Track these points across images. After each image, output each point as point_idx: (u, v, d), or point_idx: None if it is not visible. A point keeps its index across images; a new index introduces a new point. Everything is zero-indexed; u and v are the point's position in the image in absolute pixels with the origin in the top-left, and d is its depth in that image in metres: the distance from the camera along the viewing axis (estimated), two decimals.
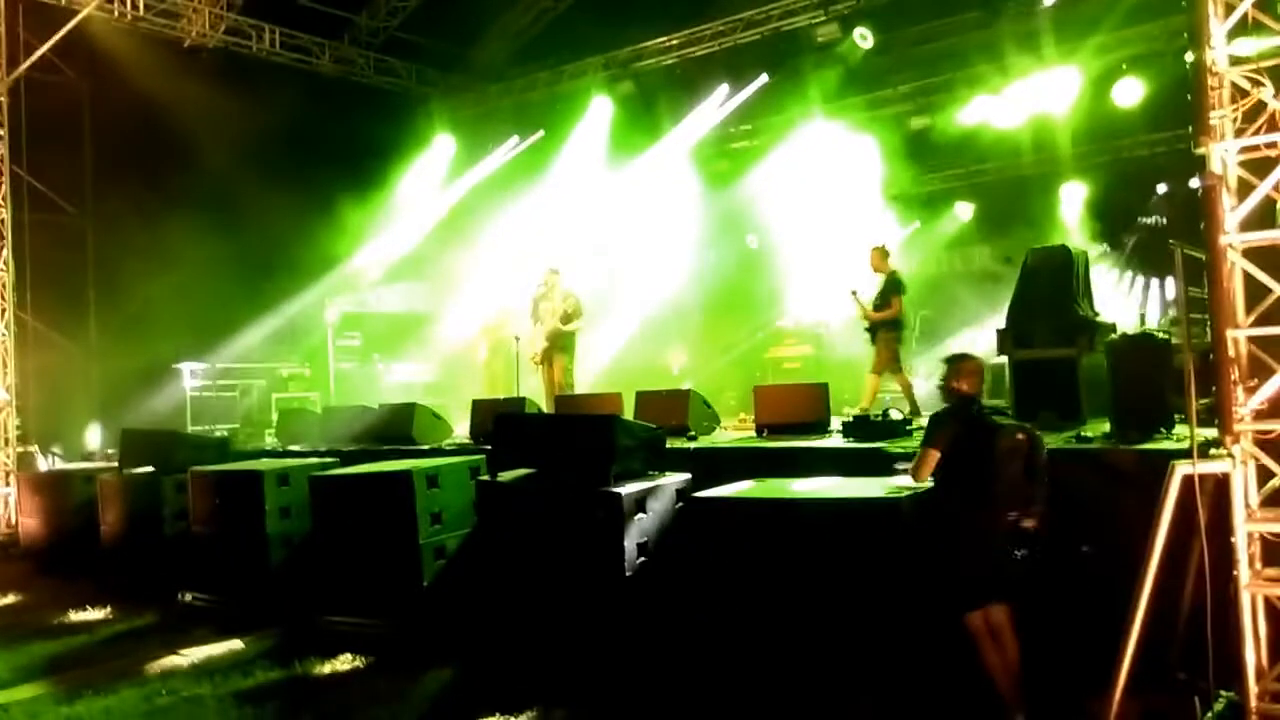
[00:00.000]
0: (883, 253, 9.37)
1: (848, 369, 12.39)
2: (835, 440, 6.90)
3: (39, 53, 10.51)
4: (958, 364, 4.73)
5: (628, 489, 5.28)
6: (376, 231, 13.46)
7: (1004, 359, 7.39)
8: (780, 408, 7.79)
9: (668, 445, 6.45)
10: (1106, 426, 5.77)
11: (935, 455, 4.41)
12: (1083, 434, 5.73)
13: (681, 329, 15.36)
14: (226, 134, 11.18)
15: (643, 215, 14.56)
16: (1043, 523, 4.44)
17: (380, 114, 13.12)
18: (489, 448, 7.27)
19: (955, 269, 15.16)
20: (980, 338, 12.11)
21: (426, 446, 8.56)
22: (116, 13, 11.12)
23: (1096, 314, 7.08)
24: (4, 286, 10.31)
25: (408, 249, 14.04)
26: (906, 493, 4.48)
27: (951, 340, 12.50)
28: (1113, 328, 7.01)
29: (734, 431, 8.55)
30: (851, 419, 6.89)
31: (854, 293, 9.35)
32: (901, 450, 4.92)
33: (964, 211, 15.02)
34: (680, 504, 5.46)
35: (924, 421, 5.13)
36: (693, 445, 7.38)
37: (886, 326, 9.19)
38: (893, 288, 9.23)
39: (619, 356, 14.74)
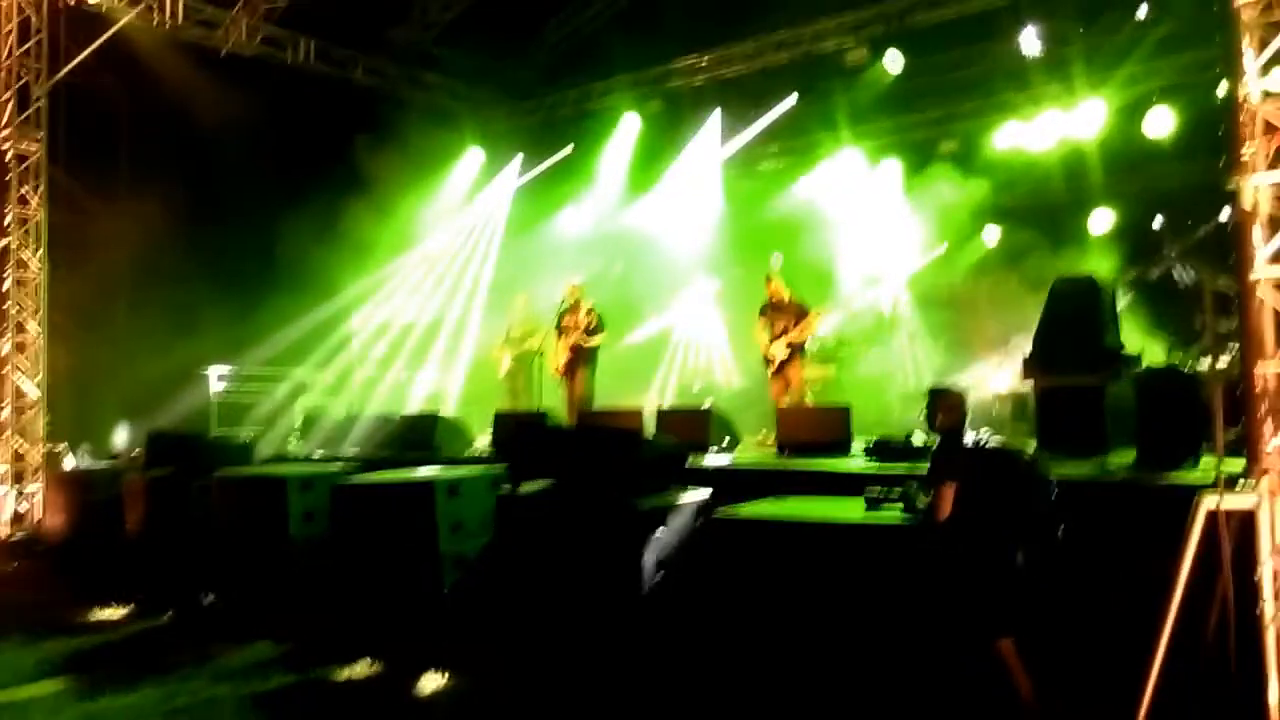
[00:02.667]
0: (779, 280, 9.59)
1: (871, 391, 12.38)
2: (857, 461, 6.91)
3: (78, 59, 10.73)
4: (939, 399, 4.78)
5: (647, 505, 5.30)
6: (404, 243, 13.60)
7: (1029, 385, 7.36)
8: (802, 428, 7.83)
9: (689, 462, 6.48)
10: (1132, 457, 5.74)
11: (951, 489, 4.42)
12: (1107, 465, 5.70)
13: (703, 347, 15.40)
14: (259, 142, 11.36)
15: (668, 232, 14.65)
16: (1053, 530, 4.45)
17: (411, 127, 13.27)
18: (510, 459, 7.36)
19: (981, 293, 15.07)
20: (1005, 362, 12.07)
21: (447, 456, 8.64)
22: (155, 21, 11.34)
23: (1122, 345, 7.06)
24: (38, 286, 10.50)
25: (435, 261, 14.18)
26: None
27: (978, 365, 12.45)
28: (1138, 359, 6.99)
29: (755, 450, 8.54)
30: (873, 442, 6.89)
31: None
32: (876, 489, 4.89)
33: (991, 236, 14.96)
34: (700, 521, 5.48)
35: None
36: (714, 463, 7.42)
37: (800, 350, 9.42)
38: (803, 311, 9.46)
39: (640, 373, 14.80)
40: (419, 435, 9.09)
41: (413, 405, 12.72)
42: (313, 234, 11.88)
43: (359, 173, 12.37)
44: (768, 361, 9.49)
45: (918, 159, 13.45)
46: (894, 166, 13.76)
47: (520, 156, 14.68)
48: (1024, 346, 7.22)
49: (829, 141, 13.45)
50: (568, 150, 14.31)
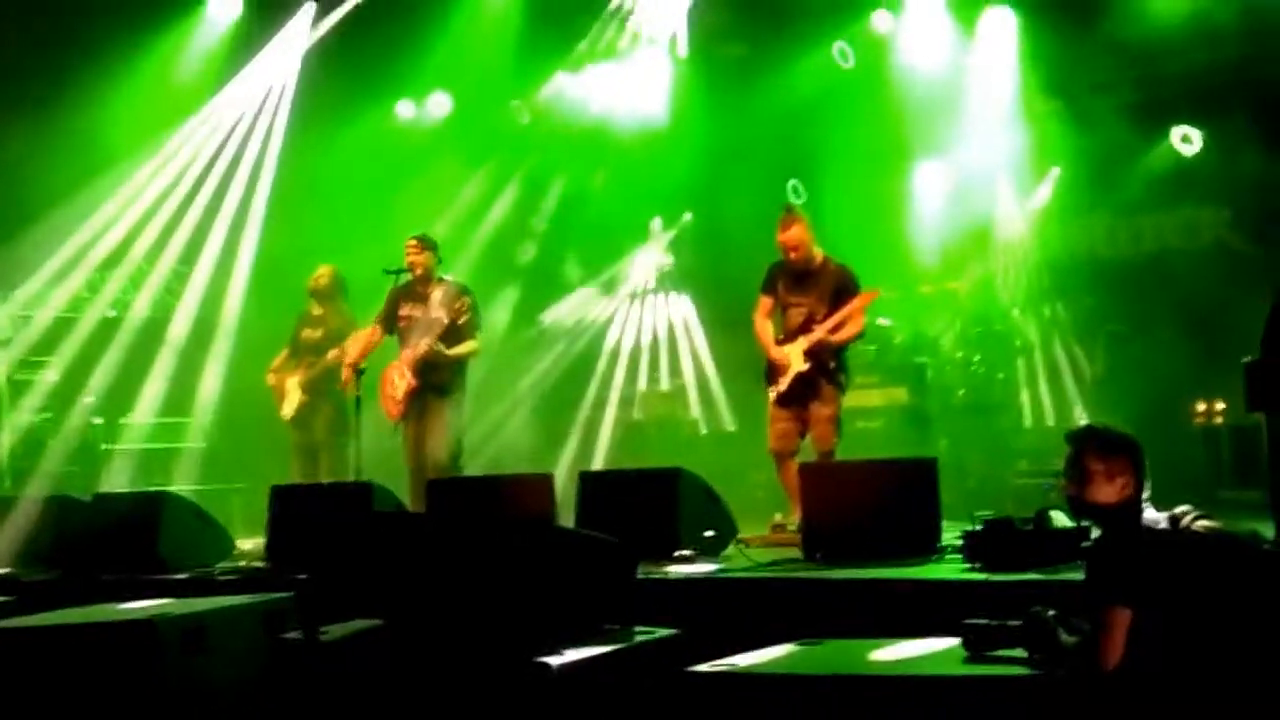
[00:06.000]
0: (805, 221, 9.69)
1: (974, 434, 12.52)
2: (949, 567, 7.01)
3: None
4: (1093, 449, 4.84)
5: (565, 657, 5.30)
6: (90, 168, 13.44)
7: (1258, 418, 7.50)
8: (849, 505, 7.88)
9: (640, 574, 6.48)
10: None
11: (1127, 618, 4.46)
12: None
13: (665, 353, 15.47)
14: None
15: (590, 141, 14.81)
16: None
17: None
18: (302, 577, 7.29)
19: (1168, 247, 15.33)
20: (1215, 378, 12.28)
21: (184, 575, 8.62)
22: None
23: None
24: None
25: (150, 201, 14.04)
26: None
27: (1162, 383, 12.65)
28: None
29: (763, 547, 8.60)
30: (980, 527, 6.96)
31: None
32: (982, 621, 4.93)
33: (1185, 142, 15.22)
34: (662, 682, 5.49)
35: None
36: (686, 574, 7.45)
37: (837, 359, 9.52)
38: (847, 284, 9.55)
39: (541, 404, 14.79)
40: (129, 534, 8.99)
41: (118, 478, 12.58)
42: None
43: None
44: (771, 377, 9.57)
45: (1047, 5, 13.63)
46: (1004, 19, 13.95)
47: (312, 6, 14.63)
48: (1247, 350, 7.33)
49: None
50: None
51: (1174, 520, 4.77)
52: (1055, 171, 14.68)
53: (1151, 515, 4.81)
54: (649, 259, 15.88)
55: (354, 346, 10.75)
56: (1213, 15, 12.93)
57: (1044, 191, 14.79)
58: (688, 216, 15.72)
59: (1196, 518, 4.78)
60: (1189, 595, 4.48)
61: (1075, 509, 4.99)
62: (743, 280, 10.86)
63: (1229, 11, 12.83)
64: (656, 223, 15.82)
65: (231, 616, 6.71)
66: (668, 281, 16.08)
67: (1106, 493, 4.79)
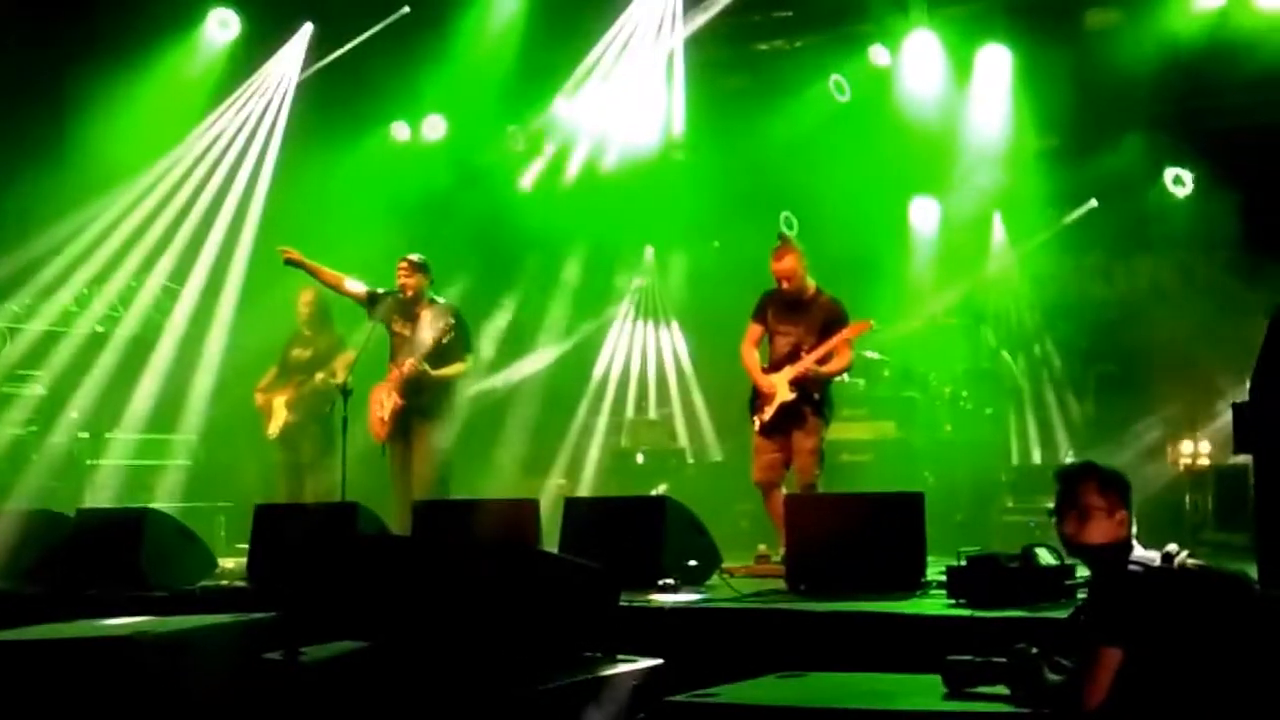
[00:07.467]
0: (799, 252, 9.72)
1: (960, 470, 12.52)
2: (934, 603, 7.02)
3: None
4: (1082, 486, 4.81)
5: (548, 683, 5.29)
6: (82, 184, 13.43)
7: (1245, 459, 7.51)
8: (834, 538, 7.89)
9: (623, 602, 6.49)
10: None
11: (1116, 658, 4.45)
12: None
13: (653, 381, 15.48)
14: None
15: (583, 172, 14.85)
16: None
17: None
18: (285, 597, 7.27)
19: (1162, 287, 15.35)
20: (1204, 420, 12.29)
21: (166, 592, 8.56)
22: None
23: None
24: None
25: (141, 218, 14.04)
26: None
27: (1153, 424, 12.66)
28: None
29: (747, 577, 8.63)
30: (965, 563, 6.97)
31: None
32: (964, 658, 4.89)
33: (1178, 184, 15.25)
34: (643, 711, 5.49)
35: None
36: (669, 603, 7.45)
37: (822, 391, 9.53)
38: (837, 317, 9.59)
39: (529, 429, 14.76)
40: (112, 550, 8.96)
41: (100, 494, 12.54)
42: None
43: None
44: (756, 406, 9.58)
45: (1044, 45, 13.68)
46: (1000, 58, 14.02)
47: (310, 28, 14.65)
48: (1236, 392, 7.34)
49: (883, 5, 13.68)
50: (402, 12, 14.31)
51: (1167, 558, 4.72)
52: (1050, 210, 14.73)
53: (1142, 553, 4.77)
54: (639, 286, 15.90)
55: (339, 369, 10.78)
56: (1210, 60, 12.98)
57: (1036, 230, 14.83)
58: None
59: (1182, 554, 4.74)
60: (1180, 637, 4.45)
61: (1069, 547, 4.94)
62: (733, 309, 10.89)
63: (1227, 57, 12.87)
64: (649, 251, 15.86)
65: (212, 635, 6.70)
66: (657, 309, 16.10)
67: (1105, 530, 4.75)
